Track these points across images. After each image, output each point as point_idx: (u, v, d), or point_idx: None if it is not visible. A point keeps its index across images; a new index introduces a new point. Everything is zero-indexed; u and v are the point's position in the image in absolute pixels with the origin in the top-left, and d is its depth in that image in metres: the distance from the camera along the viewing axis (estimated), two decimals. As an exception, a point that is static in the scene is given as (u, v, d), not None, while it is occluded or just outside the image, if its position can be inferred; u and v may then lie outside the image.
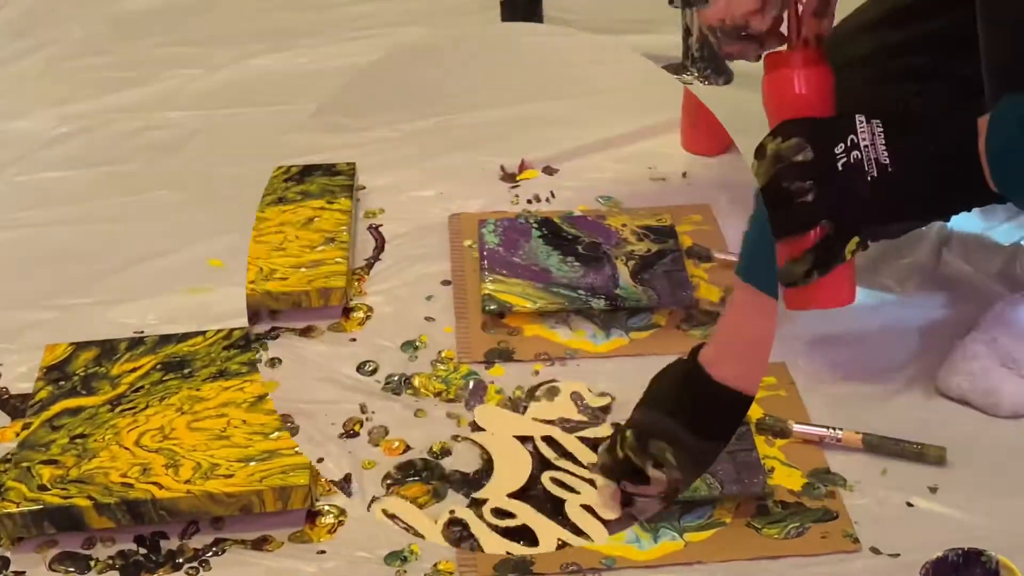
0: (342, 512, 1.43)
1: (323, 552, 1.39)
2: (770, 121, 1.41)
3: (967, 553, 1.22)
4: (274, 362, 1.61)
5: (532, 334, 1.64)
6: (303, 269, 1.70)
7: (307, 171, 1.92)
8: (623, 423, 1.45)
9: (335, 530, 1.42)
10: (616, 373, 1.57)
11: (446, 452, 1.48)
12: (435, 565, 1.37)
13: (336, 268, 1.71)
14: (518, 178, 1.96)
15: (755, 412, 1.51)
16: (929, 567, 1.20)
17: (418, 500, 1.41)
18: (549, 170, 1.98)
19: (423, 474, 1.45)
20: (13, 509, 1.39)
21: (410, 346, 1.64)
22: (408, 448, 1.48)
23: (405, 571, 1.36)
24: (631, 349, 1.61)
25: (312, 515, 1.43)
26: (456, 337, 1.65)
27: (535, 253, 1.75)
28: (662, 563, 1.36)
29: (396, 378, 1.58)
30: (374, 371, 1.60)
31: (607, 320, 1.65)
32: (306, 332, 1.66)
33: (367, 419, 1.52)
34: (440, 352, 1.62)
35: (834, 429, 1.48)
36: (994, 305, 1.55)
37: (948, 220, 1.64)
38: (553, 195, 1.91)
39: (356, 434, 1.50)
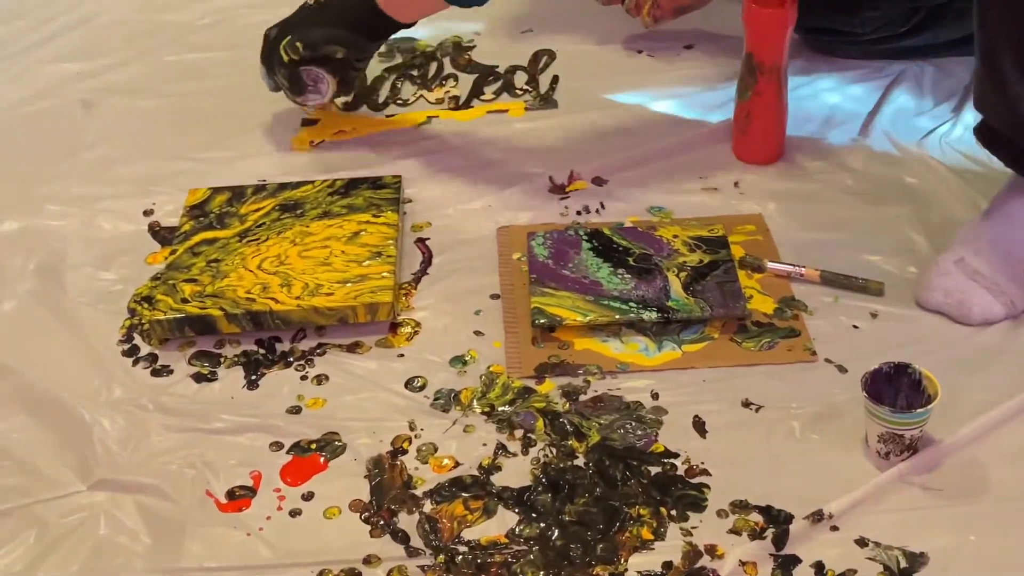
0: (418, 325, 1.52)
1: (402, 355, 1.48)
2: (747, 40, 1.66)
3: (897, 366, 1.31)
4: (320, 379, 1.45)
5: (583, 348, 1.47)
6: (349, 284, 1.52)
7: (352, 184, 1.70)
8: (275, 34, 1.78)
9: (412, 338, 1.50)
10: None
11: (496, 468, 1.33)
12: (488, 367, 1.45)
13: (383, 283, 1.52)
14: (567, 189, 1.75)
15: (737, 252, 1.58)
16: (868, 376, 1.30)
17: (467, 518, 1.28)
18: (599, 181, 1.76)
19: (473, 490, 1.31)
20: (161, 316, 1.48)
21: (459, 361, 1.47)
22: (458, 464, 1.34)
23: (465, 371, 1.45)
24: (684, 362, 1.44)
25: (394, 326, 1.51)
26: (505, 351, 1.47)
27: (585, 265, 1.56)
28: (664, 368, 1.44)
29: (445, 394, 1.43)
30: (422, 387, 1.44)
31: (659, 333, 1.48)
32: (353, 348, 1.49)
33: (416, 436, 1.37)
34: (489, 367, 1.45)
35: (799, 266, 1.55)
36: (961, 228, 1.53)
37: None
38: (603, 206, 1.70)
39: (404, 451, 1.36)
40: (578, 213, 1.71)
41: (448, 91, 1.99)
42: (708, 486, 1.31)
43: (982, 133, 1.52)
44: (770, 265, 1.56)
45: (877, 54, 1.96)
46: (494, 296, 1.57)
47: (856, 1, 1.90)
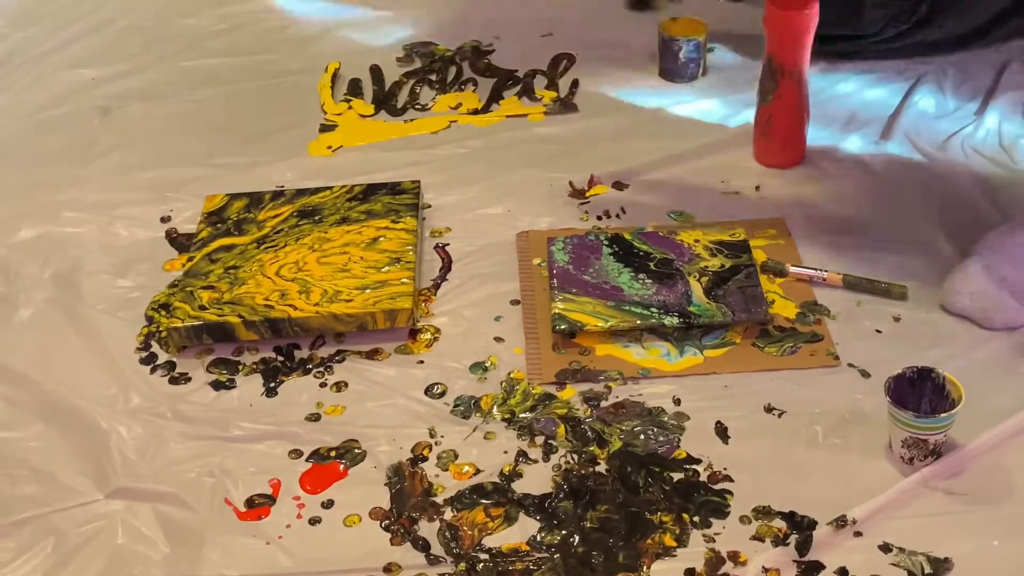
0: (437, 331, 1.52)
1: (421, 362, 1.49)
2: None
3: (920, 370, 1.31)
4: (340, 386, 1.46)
5: (604, 353, 1.47)
6: (368, 290, 1.52)
7: (371, 190, 1.71)
8: None
9: (431, 345, 1.51)
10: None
11: (517, 475, 1.34)
12: (509, 373, 1.46)
13: (402, 289, 1.52)
14: (587, 194, 1.75)
15: (759, 256, 1.58)
16: (891, 381, 1.30)
17: (488, 525, 1.28)
18: (619, 185, 1.76)
19: (494, 497, 1.31)
20: (179, 324, 1.50)
21: (479, 367, 1.47)
22: (478, 471, 1.34)
23: (485, 378, 1.46)
24: (706, 367, 1.45)
25: (413, 332, 1.53)
26: (526, 358, 1.48)
27: (606, 270, 1.56)
28: (686, 373, 1.45)
29: (465, 400, 1.43)
30: (442, 394, 1.44)
31: (681, 338, 1.48)
32: (372, 355, 1.50)
33: (436, 443, 1.38)
34: (509, 373, 1.46)
35: (821, 270, 1.55)
36: (987, 234, 1.53)
37: None
38: (623, 211, 1.71)
39: (425, 458, 1.36)
40: (598, 218, 1.72)
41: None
42: (731, 492, 1.31)
43: None
44: (792, 269, 1.57)
45: (891, 53, 1.96)
46: (514, 302, 1.58)
47: (859, 3, 1.90)
